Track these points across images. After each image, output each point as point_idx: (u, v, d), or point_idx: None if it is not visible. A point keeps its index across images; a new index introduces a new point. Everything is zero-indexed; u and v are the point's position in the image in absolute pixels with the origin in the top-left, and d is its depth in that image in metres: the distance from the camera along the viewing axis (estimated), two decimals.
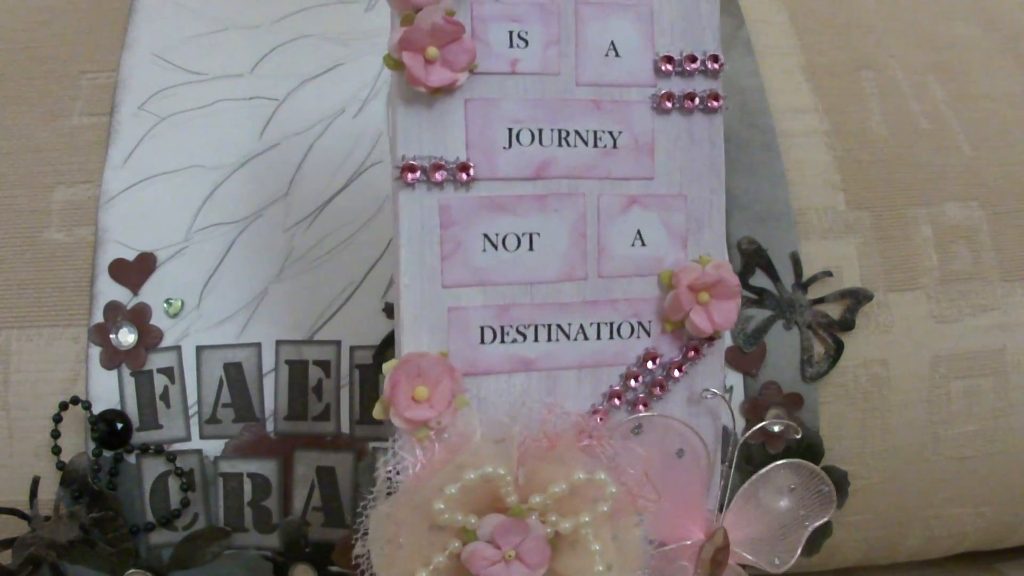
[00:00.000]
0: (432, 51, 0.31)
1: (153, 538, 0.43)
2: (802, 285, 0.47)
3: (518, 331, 0.34)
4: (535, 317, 0.34)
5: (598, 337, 0.35)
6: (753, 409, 0.45)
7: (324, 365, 0.44)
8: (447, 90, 0.32)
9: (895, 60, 0.53)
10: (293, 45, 0.48)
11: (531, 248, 0.34)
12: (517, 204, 0.33)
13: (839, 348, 0.46)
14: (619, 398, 0.35)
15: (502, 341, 0.33)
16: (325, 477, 0.43)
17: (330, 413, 0.44)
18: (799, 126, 0.49)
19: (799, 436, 0.40)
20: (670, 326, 0.35)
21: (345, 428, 0.43)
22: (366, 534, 0.32)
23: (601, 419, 0.34)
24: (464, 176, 0.33)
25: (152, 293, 0.44)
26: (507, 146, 0.33)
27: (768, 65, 0.51)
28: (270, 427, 0.43)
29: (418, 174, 0.32)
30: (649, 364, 0.35)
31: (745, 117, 0.49)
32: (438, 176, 0.32)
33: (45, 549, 0.41)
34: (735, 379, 0.45)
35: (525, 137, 0.33)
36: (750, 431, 0.40)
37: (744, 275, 0.46)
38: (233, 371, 0.44)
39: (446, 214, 0.33)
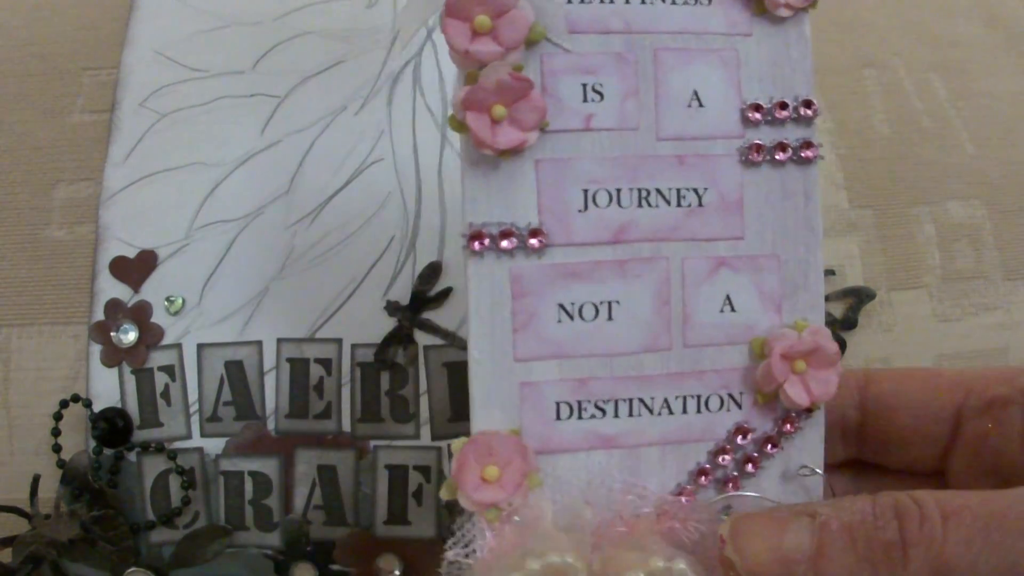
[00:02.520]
0: (499, 110, 0.29)
1: (154, 536, 0.43)
2: None
3: (596, 406, 0.31)
4: (615, 391, 0.31)
5: (684, 411, 0.32)
6: None
7: (325, 363, 0.44)
8: (516, 151, 0.30)
9: (898, 58, 0.53)
10: (295, 42, 0.48)
11: (610, 318, 0.31)
12: (594, 271, 0.31)
13: (842, 347, 0.46)
14: (707, 476, 0.32)
15: (579, 417, 0.31)
16: (326, 476, 0.43)
17: (331, 411, 0.43)
18: None
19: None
20: (763, 398, 0.32)
21: (346, 426, 0.43)
22: None
23: (687, 499, 0.31)
24: (535, 243, 0.30)
25: (153, 291, 0.44)
26: (583, 209, 0.31)
27: None
28: (271, 425, 0.43)
29: (486, 242, 0.30)
30: (739, 439, 0.32)
31: None
32: (506, 244, 0.30)
33: (45, 547, 0.41)
34: None
35: (602, 198, 0.31)
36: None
37: None
38: (234, 369, 0.43)
39: (518, 284, 0.30)
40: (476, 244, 0.30)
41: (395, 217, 0.45)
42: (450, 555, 0.30)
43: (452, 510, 0.31)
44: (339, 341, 0.44)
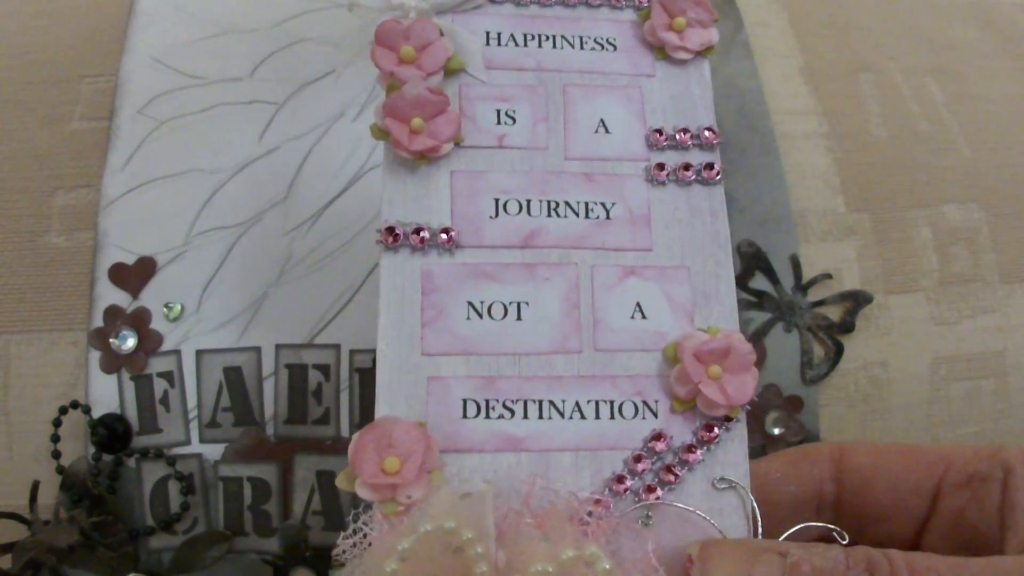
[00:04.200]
0: (417, 122, 0.32)
1: (153, 542, 0.43)
2: (802, 287, 0.47)
3: (505, 406, 0.31)
4: (524, 391, 0.31)
5: (597, 416, 0.31)
6: (753, 412, 0.45)
7: (324, 369, 0.44)
8: (432, 157, 0.32)
9: (894, 62, 0.53)
10: (292, 49, 0.48)
11: (519, 317, 0.32)
12: (504, 272, 0.32)
13: (839, 350, 0.46)
14: (623, 484, 0.31)
15: (487, 416, 0.31)
16: (325, 481, 0.43)
17: (330, 417, 0.44)
18: (798, 129, 0.49)
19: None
20: (680, 405, 0.32)
21: (345, 432, 0.43)
22: None
23: (603, 506, 0.30)
24: (446, 238, 0.32)
25: (152, 297, 0.44)
26: (494, 215, 0.32)
27: (767, 68, 0.51)
28: (270, 431, 0.44)
29: (399, 236, 0.32)
30: (657, 446, 0.31)
31: (744, 120, 0.49)
32: (418, 239, 0.32)
33: (45, 553, 0.41)
34: None
35: (513, 207, 0.33)
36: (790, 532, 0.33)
37: (744, 278, 0.46)
38: (233, 375, 0.44)
39: (428, 279, 0.32)
40: (390, 239, 0.32)
41: None
42: (342, 545, 0.29)
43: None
44: (337, 347, 0.44)
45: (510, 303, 0.32)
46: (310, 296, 0.44)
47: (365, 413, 0.44)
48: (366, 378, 0.44)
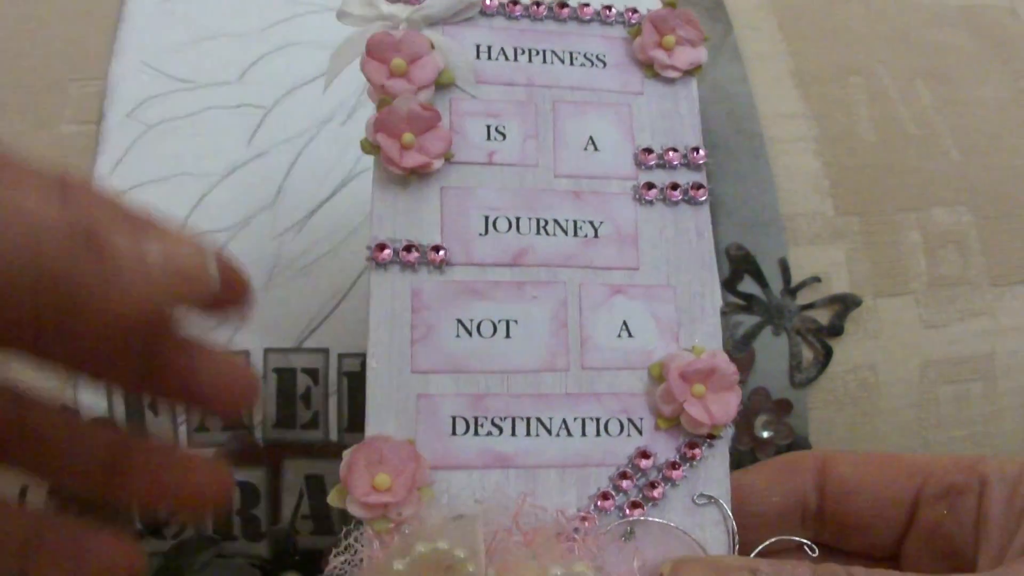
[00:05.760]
0: (408, 137, 0.32)
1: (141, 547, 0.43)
2: (791, 291, 0.47)
3: (493, 423, 0.31)
4: (512, 409, 0.32)
5: (583, 434, 0.32)
6: (742, 415, 0.45)
7: (312, 373, 0.44)
8: (422, 173, 0.32)
9: (883, 66, 0.53)
10: (281, 53, 0.48)
11: (508, 335, 0.32)
12: (494, 290, 0.32)
13: (828, 354, 0.46)
14: (608, 500, 0.31)
15: (475, 433, 0.31)
16: (314, 485, 0.43)
17: (319, 421, 0.44)
18: (788, 132, 0.50)
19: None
20: (664, 423, 0.32)
21: (334, 436, 0.43)
22: None
23: (588, 523, 0.31)
24: (437, 257, 0.32)
25: None
26: (483, 232, 0.33)
27: (756, 71, 0.51)
28: (258, 435, 0.43)
29: (389, 253, 0.32)
30: (641, 463, 0.32)
31: (733, 123, 0.49)
32: (409, 257, 0.32)
33: None
34: None
35: (502, 224, 0.33)
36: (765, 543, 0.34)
37: (732, 281, 0.46)
38: None
39: (418, 297, 0.32)
40: (379, 255, 0.32)
41: None
42: (333, 563, 0.29)
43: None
44: (326, 351, 0.44)
45: (499, 321, 0.32)
46: (299, 300, 0.44)
47: (354, 417, 0.44)
48: (355, 382, 0.44)
